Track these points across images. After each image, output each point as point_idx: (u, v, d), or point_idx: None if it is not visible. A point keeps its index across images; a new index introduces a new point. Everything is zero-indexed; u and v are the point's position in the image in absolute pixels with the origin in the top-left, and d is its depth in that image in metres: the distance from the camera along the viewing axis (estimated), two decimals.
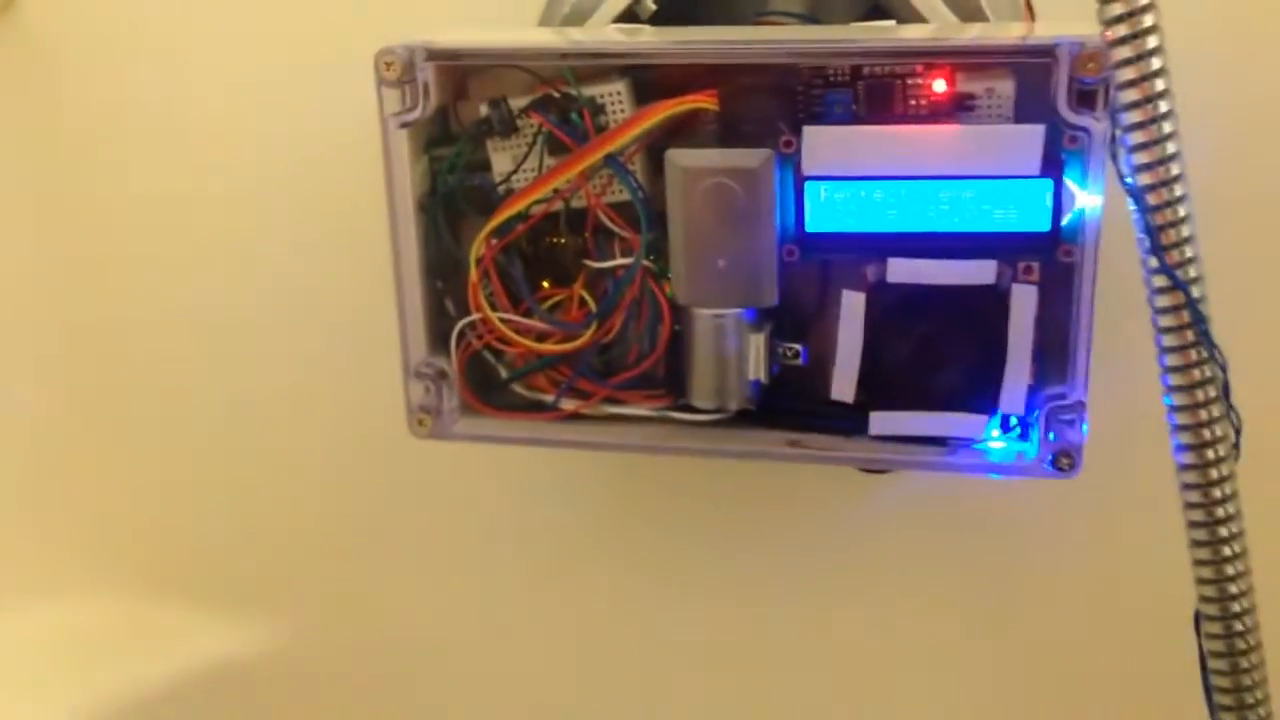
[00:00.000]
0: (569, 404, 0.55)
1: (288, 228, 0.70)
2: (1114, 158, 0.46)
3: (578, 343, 0.54)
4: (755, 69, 0.50)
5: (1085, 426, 0.50)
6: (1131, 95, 0.44)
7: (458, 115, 0.56)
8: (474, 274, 0.54)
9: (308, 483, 0.75)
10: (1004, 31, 0.54)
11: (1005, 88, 0.49)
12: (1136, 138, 0.45)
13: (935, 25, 0.56)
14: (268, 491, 0.76)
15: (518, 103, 0.53)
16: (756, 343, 0.53)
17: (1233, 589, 0.48)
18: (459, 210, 0.55)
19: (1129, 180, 0.45)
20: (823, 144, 0.49)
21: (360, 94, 0.52)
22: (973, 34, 0.55)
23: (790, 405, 0.54)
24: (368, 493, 0.75)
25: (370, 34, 0.52)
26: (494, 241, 0.54)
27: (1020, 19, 0.58)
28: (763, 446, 0.54)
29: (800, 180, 0.50)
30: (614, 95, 0.53)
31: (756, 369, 0.53)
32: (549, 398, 0.55)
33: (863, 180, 0.49)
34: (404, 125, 0.53)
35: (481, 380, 0.57)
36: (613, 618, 0.74)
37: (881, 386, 0.52)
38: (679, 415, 0.54)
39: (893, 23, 0.56)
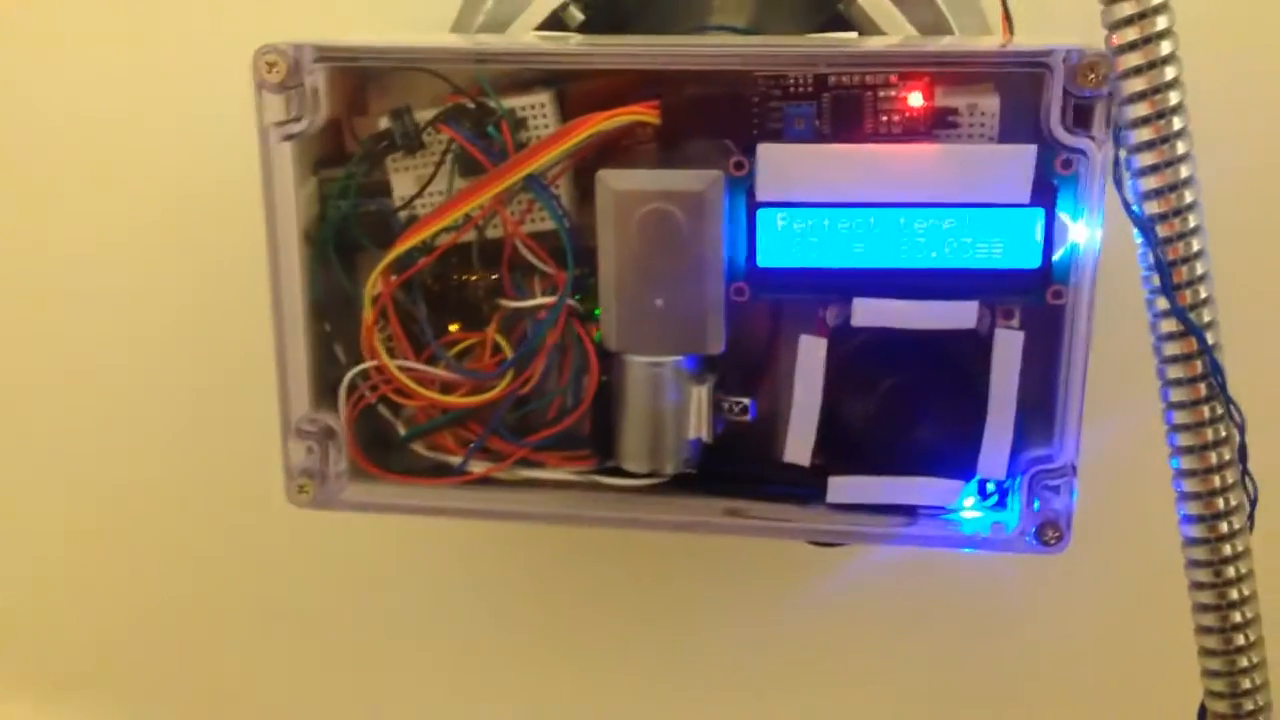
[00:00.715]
0: (479, 467, 0.49)
1: (145, 257, 0.63)
2: (1118, 183, 0.40)
3: (490, 395, 0.48)
4: (703, 77, 0.44)
5: (1074, 494, 0.44)
6: (1141, 110, 0.39)
7: (353, 132, 0.49)
8: (369, 315, 0.48)
9: (171, 562, 0.68)
10: (985, 43, 0.49)
11: (990, 103, 0.43)
12: (1146, 159, 0.39)
13: (906, 37, 0.50)
14: (121, 574, 0.68)
15: (424, 115, 0.47)
16: (698, 396, 0.47)
17: (1246, 684, 0.42)
18: (352, 241, 0.48)
19: (1136, 209, 0.39)
20: (780, 165, 0.43)
21: (238, 102, 0.46)
22: (952, 43, 0.49)
23: (736, 468, 0.48)
24: (243, 572, 0.67)
25: (255, 35, 0.45)
26: (393, 277, 0.48)
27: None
28: (702, 516, 0.48)
29: (753, 207, 0.44)
30: (537, 108, 0.47)
31: (698, 426, 0.47)
32: (455, 459, 0.49)
33: (825, 207, 0.43)
34: (288, 138, 0.46)
35: (376, 439, 0.50)
36: (529, 714, 0.66)
37: (842, 447, 0.46)
38: (607, 480, 0.48)
39: (854, 34, 0.50)
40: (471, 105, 0.46)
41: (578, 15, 0.53)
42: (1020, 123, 0.43)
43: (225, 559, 0.67)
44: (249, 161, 0.46)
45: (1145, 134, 0.39)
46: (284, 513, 0.49)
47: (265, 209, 0.46)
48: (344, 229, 0.48)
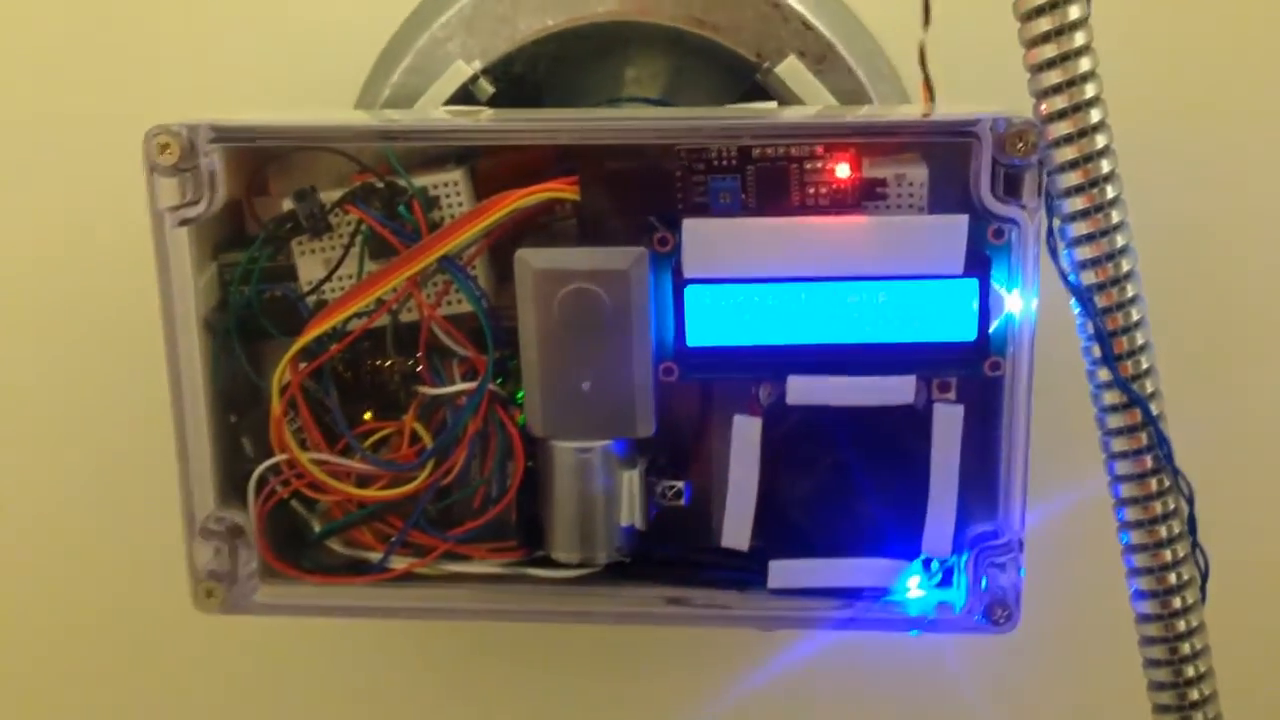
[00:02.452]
0: (400, 563, 0.46)
1: (36, 347, 0.59)
2: (1053, 253, 0.39)
3: (410, 487, 0.45)
4: (623, 151, 0.43)
5: (1022, 570, 0.43)
6: (1073, 179, 0.38)
7: (255, 213, 0.47)
8: (277, 405, 0.45)
9: (69, 673, 0.63)
10: (908, 111, 0.48)
11: (918, 173, 0.42)
12: (1080, 229, 0.38)
13: (827, 106, 0.49)
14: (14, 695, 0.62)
15: (330, 195, 0.45)
16: (630, 481, 0.45)
17: None
18: (258, 328, 0.46)
19: (1073, 279, 0.39)
20: (706, 240, 0.41)
21: (132, 186, 0.43)
22: (876, 112, 0.48)
23: (672, 555, 0.46)
24: (144, 684, 0.63)
25: (146, 114, 0.43)
26: (302, 365, 0.45)
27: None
28: (640, 607, 0.46)
29: (680, 284, 0.42)
30: (450, 186, 0.45)
31: (630, 513, 0.45)
32: (375, 556, 0.46)
33: (754, 283, 0.42)
34: (184, 223, 0.43)
35: (289, 537, 0.48)
36: None
37: (781, 529, 0.45)
38: (536, 571, 0.46)
39: (774, 104, 0.49)
40: (380, 184, 0.44)
41: (488, 88, 0.51)
42: (949, 192, 0.42)
43: (129, 670, 0.63)
44: (144, 247, 0.43)
45: (1078, 203, 0.38)
46: (191, 617, 0.46)
47: (161, 297, 0.44)
48: (248, 316, 0.46)
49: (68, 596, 0.62)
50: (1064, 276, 0.39)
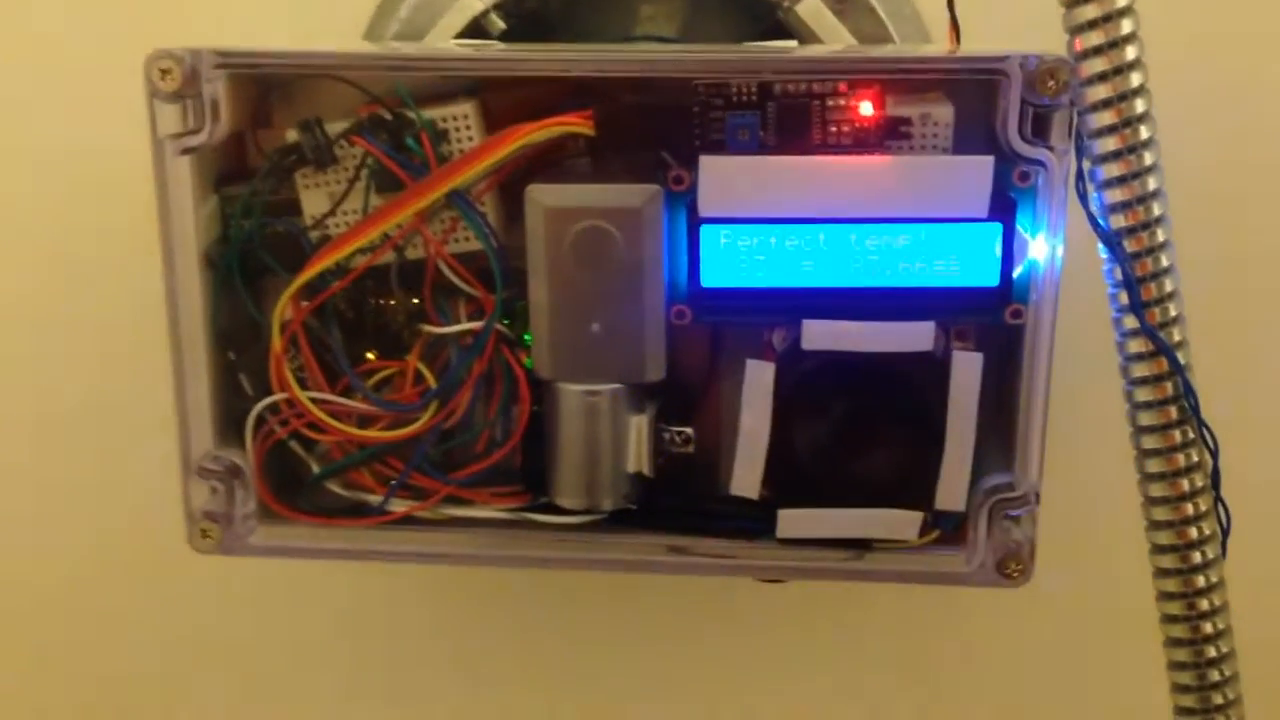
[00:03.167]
0: (401, 506, 0.45)
1: (31, 281, 0.58)
2: (1082, 197, 0.38)
3: (412, 429, 0.44)
4: (639, 85, 0.41)
5: (1037, 523, 0.42)
6: (1106, 119, 0.37)
7: (258, 146, 0.45)
8: (278, 343, 0.44)
9: (67, 616, 0.62)
10: (933, 50, 0.46)
11: (943, 113, 0.41)
12: (1112, 170, 0.37)
13: (849, 45, 0.48)
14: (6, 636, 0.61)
15: (336, 127, 0.43)
16: (638, 427, 0.43)
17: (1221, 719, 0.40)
18: (259, 263, 0.45)
19: (1102, 223, 0.37)
20: (723, 178, 0.40)
21: (130, 111, 0.42)
22: (902, 49, 0.47)
23: (679, 503, 0.45)
24: (145, 626, 0.62)
25: (149, 39, 0.41)
26: (304, 302, 0.44)
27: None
28: (643, 555, 0.45)
29: (695, 223, 0.41)
30: (459, 119, 0.43)
31: (638, 460, 0.44)
32: (375, 498, 0.46)
33: (772, 223, 0.41)
34: (185, 151, 0.42)
35: (287, 478, 0.47)
36: None
37: (792, 478, 0.43)
38: (540, 517, 0.45)
39: (794, 43, 0.48)
40: (388, 116, 0.43)
41: (499, 23, 0.50)
42: (974, 133, 0.41)
43: (126, 609, 0.62)
44: (144, 177, 0.42)
45: (1110, 144, 0.37)
46: (188, 557, 0.45)
47: (161, 229, 0.43)
48: (249, 251, 0.45)
49: (61, 538, 0.61)
50: (1093, 220, 0.38)
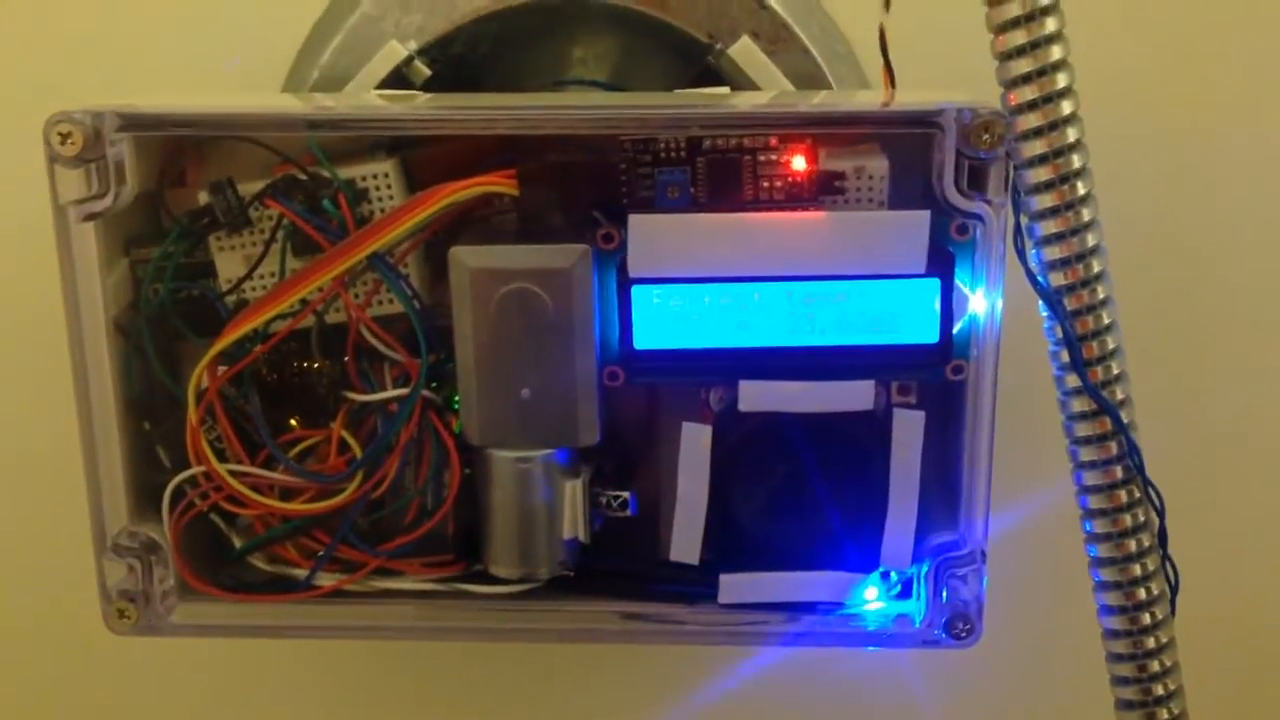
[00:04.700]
0: (328, 579, 0.44)
1: None
2: (1020, 253, 0.37)
3: (338, 500, 0.43)
4: (565, 141, 0.40)
5: (984, 582, 0.41)
6: (1042, 174, 0.36)
7: (168, 206, 0.43)
8: (194, 413, 0.42)
9: None
10: (866, 99, 0.45)
11: (878, 166, 0.40)
12: (1049, 227, 0.36)
13: (782, 92, 0.47)
14: None
15: (250, 188, 0.42)
16: (573, 492, 0.42)
17: None
18: (173, 330, 0.43)
19: (1041, 281, 0.36)
20: (653, 237, 0.39)
21: (37, 175, 0.39)
22: (833, 100, 0.46)
23: (618, 568, 0.44)
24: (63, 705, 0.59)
25: (54, 101, 0.39)
26: (221, 369, 0.42)
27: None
28: (586, 624, 0.44)
29: (625, 284, 0.40)
30: (379, 178, 0.42)
31: (574, 525, 0.42)
32: (301, 572, 0.44)
33: (704, 283, 0.39)
34: (90, 217, 0.40)
35: (209, 552, 0.45)
36: None
37: (732, 542, 0.42)
38: (474, 588, 0.44)
39: (726, 89, 0.47)
40: (303, 176, 0.41)
41: (423, 70, 0.48)
42: (910, 185, 0.40)
43: (45, 693, 0.60)
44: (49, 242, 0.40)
45: (1048, 200, 0.36)
46: (106, 640, 0.43)
47: (65, 297, 0.41)
48: (162, 317, 0.43)
49: None
50: (1032, 278, 0.37)
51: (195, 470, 0.42)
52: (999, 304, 0.38)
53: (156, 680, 0.59)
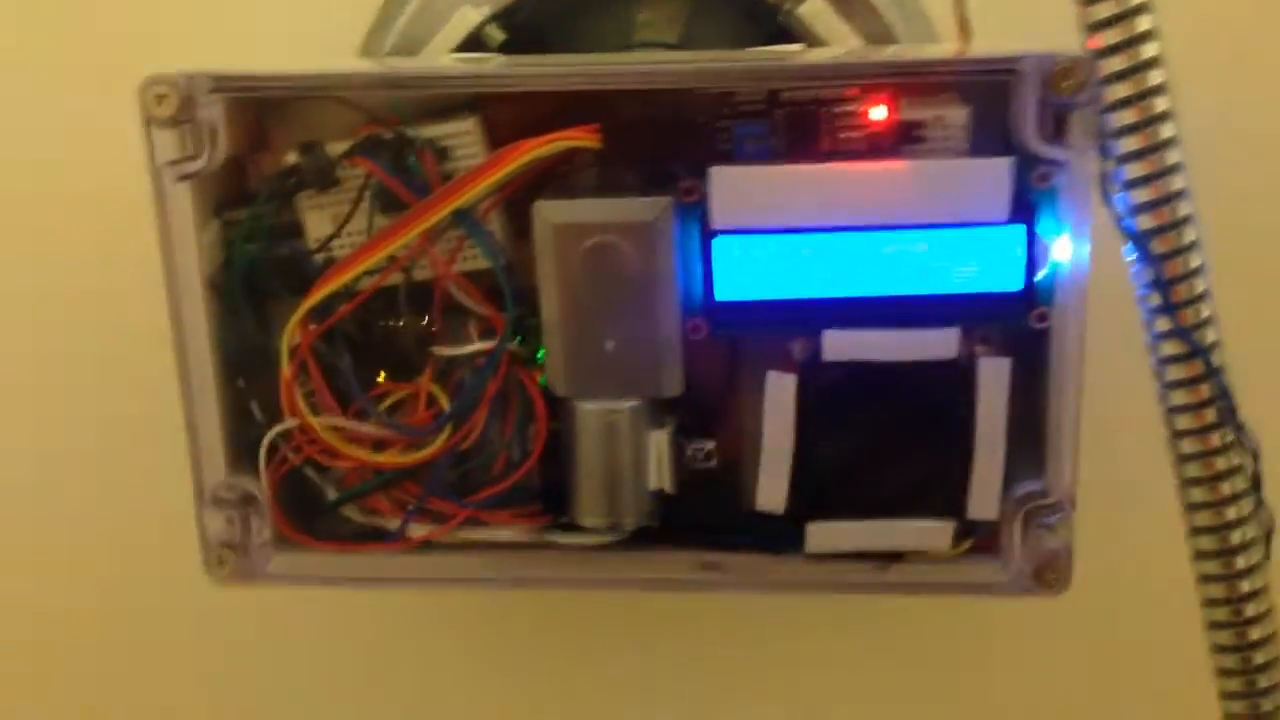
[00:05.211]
0: (419, 531, 0.44)
1: (36, 316, 0.57)
2: (1106, 197, 0.37)
3: (427, 452, 0.43)
4: (643, 97, 0.40)
5: (1073, 530, 0.41)
6: (1127, 117, 0.35)
7: (257, 169, 0.44)
8: (287, 369, 0.43)
9: (83, 652, 0.60)
10: (943, 50, 0.45)
11: (957, 115, 0.40)
12: (1135, 170, 0.36)
13: (857, 46, 0.47)
14: (25, 669, 0.61)
15: (336, 148, 0.42)
16: (658, 443, 0.42)
17: None
18: (265, 288, 0.44)
19: (1128, 224, 0.36)
20: (734, 189, 0.39)
21: (130, 140, 0.41)
22: (911, 50, 0.45)
23: (703, 519, 0.44)
24: (159, 659, 0.61)
25: (148, 66, 0.40)
26: (312, 326, 0.43)
27: None
28: (670, 573, 0.44)
29: (707, 235, 0.40)
30: (461, 136, 0.42)
31: (659, 476, 0.43)
32: (393, 524, 0.44)
33: (786, 233, 0.39)
34: (184, 178, 0.41)
35: (302, 504, 0.45)
36: None
37: (818, 491, 0.42)
38: (561, 538, 0.44)
39: (800, 46, 0.47)
40: (388, 135, 0.42)
41: (498, 35, 0.48)
42: (991, 134, 0.40)
43: (143, 641, 0.61)
44: (143, 206, 0.41)
45: (1132, 143, 0.36)
46: (204, 589, 0.44)
47: (163, 257, 0.42)
48: (253, 275, 0.43)
49: (75, 572, 0.60)
50: (1119, 222, 0.36)
51: (289, 424, 0.43)
52: (1085, 250, 0.38)
53: (251, 632, 0.60)
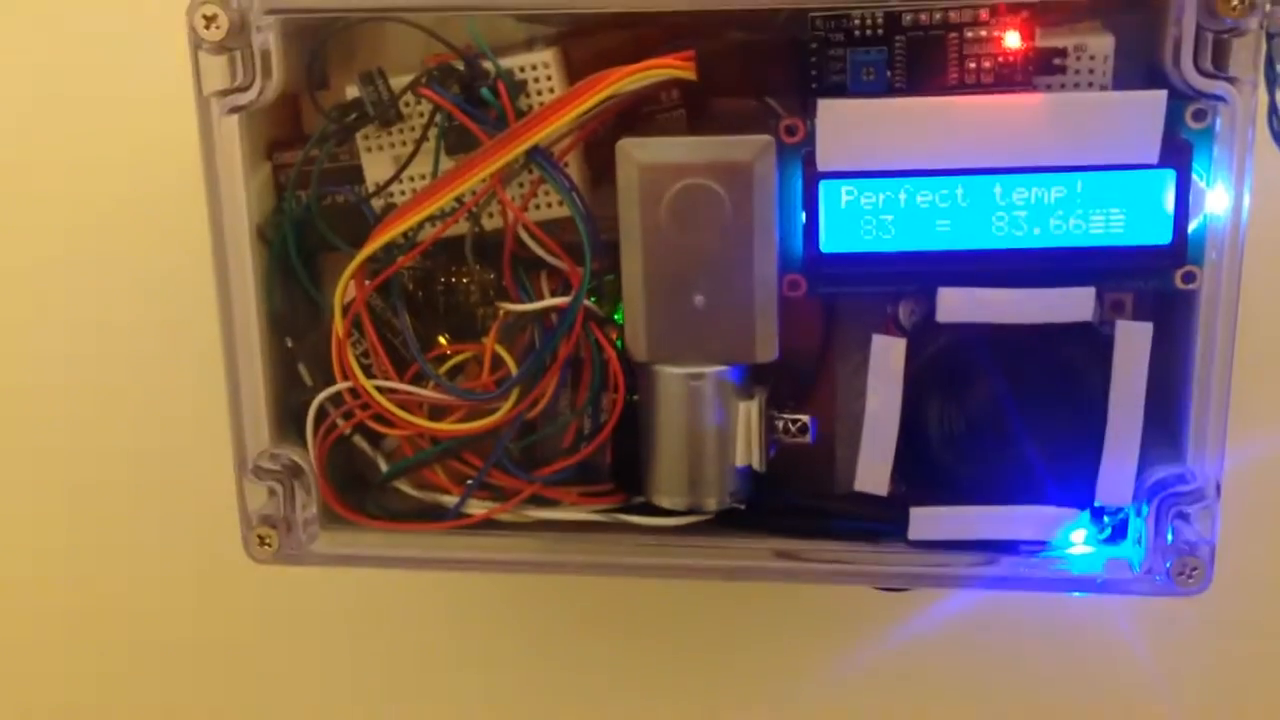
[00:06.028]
0: (479, 507, 0.43)
1: (68, 262, 0.54)
2: (1276, 135, 0.33)
3: (491, 420, 0.41)
4: (744, 19, 0.38)
5: (1217, 522, 0.37)
6: None
7: (316, 106, 0.42)
8: (340, 326, 0.41)
9: (116, 626, 0.59)
10: None
11: (1101, 43, 0.37)
12: None
13: None
14: (58, 641, 0.59)
15: (401, 81, 0.40)
16: (748, 414, 0.40)
17: None
18: (317, 238, 0.42)
19: None
20: (845, 126, 0.36)
21: (174, 69, 0.39)
22: None
23: (794, 501, 0.42)
24: (199, 634, 0.58)
25: None
26: (367, 280, 0.41)
27: None
28: (752, 561, 0.41)
29: (812, 179, 0.37)
30: (539, 69, 0.39)
31: (747, 452, 0.40)
32: (451, 499, 0.43)
33: (902, 177, 0.37)
34: (234, 110, 0.39)
35: (352, 477, 0.44)
36: None
37: (925, 472, 0.40)
38: (636, 519, 0.42)
39: None
40: (460, 66, 0.39)
41: None
42: (1135, 66, 0.37)
43: (179, 619, 0.59)
44: (188, 142, 0.39)
45: None
46: (243, 567, 0.42)
47: (209, 198, 0.40)
48: (306, 225, 0.42)
49: (107, 543, 0.58)
50: None
51: (340, 387, 0.42)
52: (1245, 200, 0.35)
53: (293, 612, 0.58)
